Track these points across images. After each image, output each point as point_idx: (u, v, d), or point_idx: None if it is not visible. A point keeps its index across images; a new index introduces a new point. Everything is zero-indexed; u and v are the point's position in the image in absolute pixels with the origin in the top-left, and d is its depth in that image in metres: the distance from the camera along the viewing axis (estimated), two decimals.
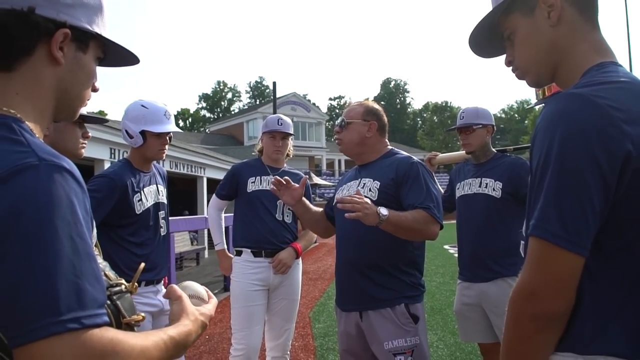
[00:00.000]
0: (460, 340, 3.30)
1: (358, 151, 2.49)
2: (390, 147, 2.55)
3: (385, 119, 2.55)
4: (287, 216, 3.23)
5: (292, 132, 3.33)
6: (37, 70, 0.84)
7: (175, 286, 0.99)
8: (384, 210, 2.10)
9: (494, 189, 2.90)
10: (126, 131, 2.59)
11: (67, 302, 0.67)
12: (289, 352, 3.29)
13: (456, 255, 4.06)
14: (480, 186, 2.96)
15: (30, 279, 0.67)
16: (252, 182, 3.21)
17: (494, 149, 3.10)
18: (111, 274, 0.87)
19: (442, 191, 3.42)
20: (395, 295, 2.28)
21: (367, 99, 2.64)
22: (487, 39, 1.24)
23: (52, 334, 0.65)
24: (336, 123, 2.56)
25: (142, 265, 1.01)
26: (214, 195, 3.40)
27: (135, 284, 0.89)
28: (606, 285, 0.98)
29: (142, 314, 0.84)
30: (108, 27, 0.94)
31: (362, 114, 2.46)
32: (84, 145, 1.91)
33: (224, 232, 3.35)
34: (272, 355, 3.22)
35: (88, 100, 0.96)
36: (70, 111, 0.94)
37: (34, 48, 0.83)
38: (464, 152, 3.14)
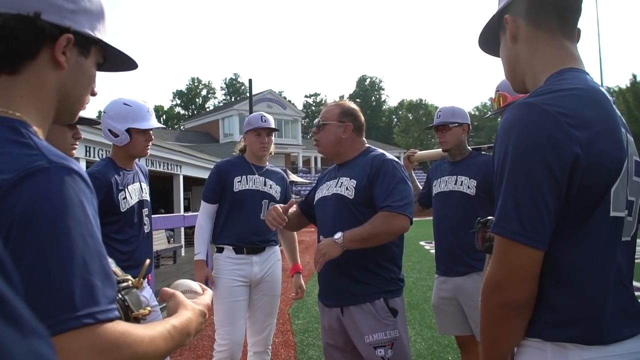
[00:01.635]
0: (438, 333, 3.39)
1: (335, 151, 2.53)
2: (367, 145, 2.59)
3: (362, 118, 2.58)
4: None
5: (275, 127, 3.36)
6: (40, 74, 0.86)
7: (165, 288, 1.02)
8: (337, 235, 2.23)
9: (468, 187, 2.99)
10: (109, 130, 2.60)
11: (82, 298, 0.71)
12: (270, 347, 3.33)
13: (432, 251, 4.11)
14: (455, 184, 3.04)
15: (46, 277, 0.70)
16: (238, 182, 3.21)
17: (469, 147, 3.19)
18: (117, 270, 0.90)
19: (420, 188, 3.50)
20: (375, 291, 2.35)
21: (342, 97, 2.68)
22: (493, 41, 1.36)
23: (69, 329, 0.69)
24: (314, 123, 2.59)
25: (148, 261, 1.04)
26: (202, 202, 3.31)
27: (141, 279, 0.92)
28: (566, 277, 1.08)
29: (149, 308, 0.88)
30: (109, 33, 0.97)
31: (337, 115, 2.49)
32: (74, 146, 1.90)
33: (208, 243, 3.29)
34: (254, 350, 3.26)
35: (87, 104, 0.99)
36: (70, 114, 0.97)
37: (39, 52, 0.85)
38: (442, 149, 3.22)
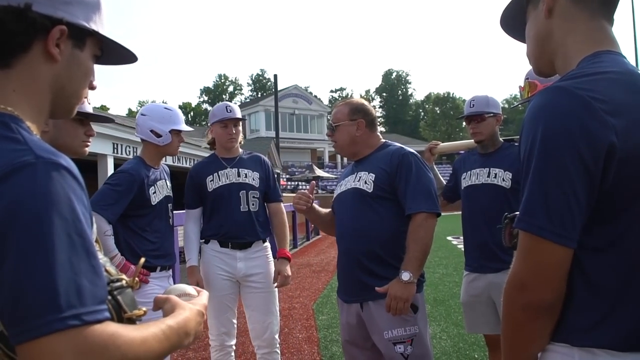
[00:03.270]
0: (466, 331, 3.30)
1: (352, 150, 2.56)
2: (383, 140, 2.60)
3: (373, 112, 2.60)
4: (253, 204, 3.17)
5: (241, 117, 3.27)
6: (33, 67, 0.84)
7: (159, 295, 1.00)
8: (404, 276, 2.21)
9: (503, 179, 2.88)
10: (152, 131, 2.84)
11: (68, 299, 0.68)
12: (278, 345, 3.21)
13: (459, 246, 3.98)
14: (488, 176, 2.93)
15: (30, 277, 0.67)
16: (210, 181, 3.17)
17: (501, 139, 3.08)
18: (112, 269, 0.86)
19: (444, 182, 3.40)
20: None
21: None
22: (517, 21, 1.27)
23: (54, 330, 0.66)
24: (327, 126, 2.60)
25: (142, 260, 1.02)
26: (185, 210, 3.29)
27: (136, 278, 0.89)
28: (598, 279, 0.99)
29: (144, 309, 0.84)
30: (106, 24, 0.93)
31: (347, 114, 2.52)
32: (87, 143, 1.89)
33: (198, 248, 3.26)
34: (261, 352, 3.15)
35: (85, 97, 0.96)
36: (67, 108, 0.94)
37: (31, 45, 0.82)
38: (467, 141, 3.12)
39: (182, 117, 2.98)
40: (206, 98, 78.38)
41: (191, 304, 0.97)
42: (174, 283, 2.92)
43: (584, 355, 0.98)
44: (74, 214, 0.72)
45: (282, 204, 3.35)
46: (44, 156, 0.74)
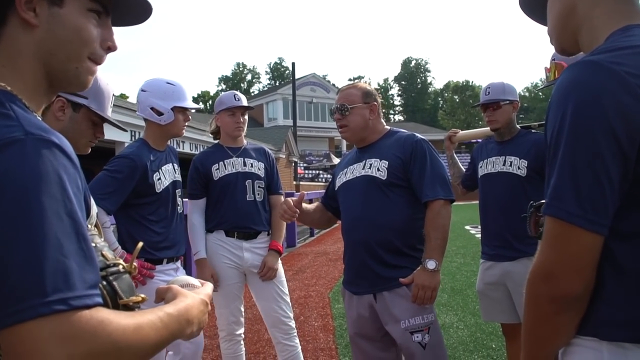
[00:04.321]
0: (483, 320, 3.26)
1: (363, 135, 2.45)
2: (388, 127, 2.53)
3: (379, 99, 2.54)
4: (259, 194, 3.12)
5: (248, 105, 3.18)
6: (14, 39, 0.80)
7: (160, 286, 0.96)
8: (430, 265, 2.19)
9: (519, 167, 2.82)
10: (152, 108, 2.60)
11: (54, 282, 0.64)
12: (295, 332, 3.10)
13: (477, 235, 3.93)
14: (504, 165, 2.88)
15: (14, 258, 0.64)
16: (216, 170, 3.09)
17: (518, 126, 3.01)
18: (109, 254, 0.83)
19: (463, 170, 3.35)
20: (410, 274, 2.25)
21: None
22: (539, 4, 1.19)
23: (38, 315, 0.63)
24: (332, 109, 2.48)
25: (140, 244, 0.98)
26: (189, 200, 3.13)
27: (134, 263, 0.85)
28: (631, 268, 0.93)
29: (142, 295, 0.81)
30: None
31: (361, 97, 2.41)
32: (92, 143, 1.84)
33: (205, 240, 3.08)
34: (278, 340, 3.06)
35: (100, 61, 0.88)
36: (72, 75, 0.86)
37: (5, 16, 0.78)
38: (486, 128, 3.07)
39: (187, 94, 2.71)
40: (224, 87, 78.44)
41: (194, 293, 0.93)
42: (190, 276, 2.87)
43: (613, 349, 0.92)
44: (64, 193, 0.69)
45: (282, 197, 3.26)
46: (34, 132, 0.70)
